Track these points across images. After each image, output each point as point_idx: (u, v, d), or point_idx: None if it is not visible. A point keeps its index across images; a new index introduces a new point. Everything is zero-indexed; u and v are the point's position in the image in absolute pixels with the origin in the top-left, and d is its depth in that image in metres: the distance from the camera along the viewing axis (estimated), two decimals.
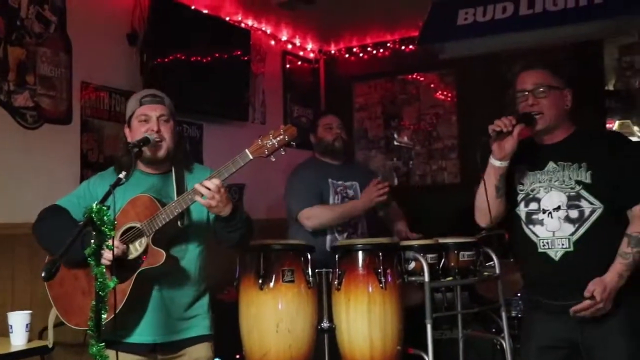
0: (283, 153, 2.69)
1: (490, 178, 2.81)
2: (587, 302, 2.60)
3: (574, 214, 2.71)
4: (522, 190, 2.87)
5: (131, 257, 2.70)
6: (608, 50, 5.79)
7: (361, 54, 6.71)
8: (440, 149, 6.42)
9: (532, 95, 2.75)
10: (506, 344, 3.88)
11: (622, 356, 2.65)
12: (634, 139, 5.67)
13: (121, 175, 2.47)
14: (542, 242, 2.78)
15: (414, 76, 6.57)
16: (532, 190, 2.83)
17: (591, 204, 2.69)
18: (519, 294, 4.80)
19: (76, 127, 4.21)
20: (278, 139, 2.65)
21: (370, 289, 3.36)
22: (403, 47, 6.45)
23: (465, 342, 4.06)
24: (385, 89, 6.68)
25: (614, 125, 5.78)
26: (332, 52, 6.86)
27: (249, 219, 2.85)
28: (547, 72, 2.79)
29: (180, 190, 2.82)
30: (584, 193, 2.70)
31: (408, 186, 6.48)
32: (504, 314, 3.88)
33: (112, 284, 2.20)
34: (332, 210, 4.02)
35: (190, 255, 2.86)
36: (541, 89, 2.74)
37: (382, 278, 3.34)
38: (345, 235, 4.06)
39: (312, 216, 3.97)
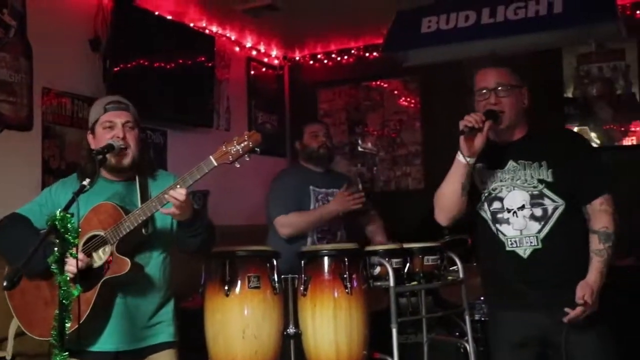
0: (247, 159, 2.68)
1: (456, 176, 2.78)
2: (580, 309, 2.62)
3: (538, 212, 2.73)
4: (484, 190, 2.86)
5: (95, 265, 2.66)
6: (567, 59, 5.89)
7: (325, 61, 6.72)
8: (404, 155, 6.46)
9: (494, 94, 2.74)
10: (470, 348, 3.91)
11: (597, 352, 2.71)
12: (591, 144, 5.78)
13: (85, 183, 2.44)
14: (510, 241, 2.79)
15: (378, 83, 6.60)
16: (494, 190, 2.83)
17: (554, 201, 2.72)
18: (482, 298, 4.85)
19: (37, 133, 4.16)
20: (242, 145, 2.64)
21: (336, 294, 3.36)
22: (367, 54, 6.48)
23: (430, 346, 4.07)
24: (350, 95, 6.71)
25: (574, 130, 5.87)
26: (297, 58, 6.86)
27: (211, 224, 2.85)
28: (507, 71, 2.79)
29: (144, 198, 2.80)
30: (546, 191, 2.72)
31: (372, 192, 6.50)
32: (467, 318, 3.91)
33: (76, 293, 2.16)
34: (307, 216, 4.04)
35: (154, 263, 2.83)
36: (503, 88, 2.74)
37: (348, 283, 3.34)
38: (325, 241, 4.10)
39: (286, 224, 4.02)
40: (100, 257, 2.67)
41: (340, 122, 6.65)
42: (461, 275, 3.91)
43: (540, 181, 2.73)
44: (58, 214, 2.12)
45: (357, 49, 6.54)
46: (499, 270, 2.90)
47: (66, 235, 2.12)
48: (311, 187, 4.16)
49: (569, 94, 5.90)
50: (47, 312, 2.61)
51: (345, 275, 3.35)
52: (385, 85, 6.59)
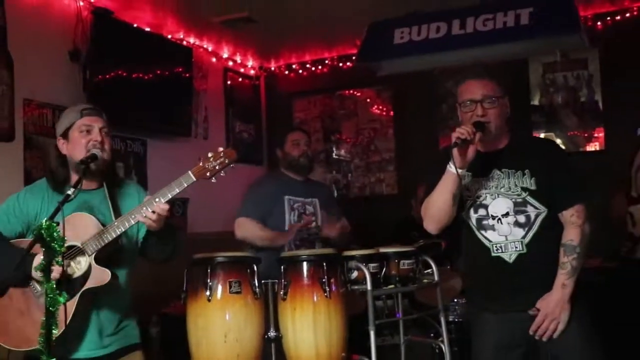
0: (223, 175, 2.75)
1: (447, 186, 2.76)
2: (538, 318, 2.68)
3: (521, 218, 2.75)
4: (469, 197, 2.86)
5: (75, 275, 2.61)
6: (533, 68, 5.97)
7: (300, 71, 6.74)
8: (377, 161, 6.50)
9: (480, 105, 2.71)
10: (445, 348, 3.92)
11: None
12: None
13: (69, 192, 2.44)
14: (496, 247, 2.80)
15: (352, 92, 6.64)
16: (479, 197, 2.83)
17: (536, 208, 2.74)
18: (456, 300, 4.89)
19: (19, 144, 4.12)
20: (218, 161, 2.71)
21: (315, 298, 3.35)
22: (341, 64, 6.52)
23: (407, 347, 4.08)
24: (324, 104, 6.73)
25: (540, 136, 5.94)
26: (272, 69, 6.87)
27: (176, 230, 2.87)
28: (493, 82, 2.77)
29: (115, 207, 2.78)
30: (529, 199, 2.74)
31: (347, 198, 6.53)
32: (442, 319, 3.92)
33: (62, 300, 2.15)
34: (262, 232, 4.03)
35: (123, 272, 2.81)
36: (488, 99, 2.72)
37: (327, 287, 3.33)
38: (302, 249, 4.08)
39: (241, 227, 4.05)
40: (78, 267, 2.62)
41: (316, 130, 6.66)
42: (436, 278, 3.93)
43: (524, 189, 2.74)
44: (44, 223, 2.11)
45: (331, 59, 6.58)
46: (484, 275, 2.92)
47: (52, 244, 2.12)
48: (287, 197, 4.15)
49: (536, 102, 5.98)
50: (22, 322, 2.57)
51: (324, 280, 3.35)
52: (359, 95, 6.63)
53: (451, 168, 2.69)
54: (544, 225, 2.74)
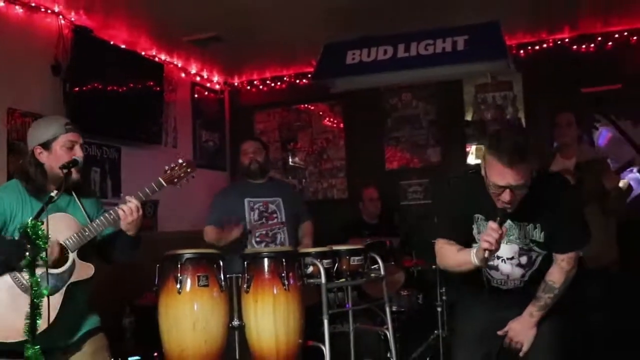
0: (186, 182, 2.91)
1: (464, 267, 2.58)
2: (507, 338, 2.69)
3: (524, 260, 2.66)
4: (479, 240, 2.59)
5: (60, 271, 2.56)
6: (467, 89, 6.06)
7: (261, 86, 6.72)
8: (329, 169, 6.51)
9: (510, 191, 2.39)
10: (390, 334, 3.97)
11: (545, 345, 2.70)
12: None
13: (53, 194, 2.39)
14: (496, 281, 2.74)
15: (307, 106, 6.63)
16: None
17: (539, 252, 2.65)
18: (399, 292, 4.93)
19: (3, 149, 4.01)
20: (182, 170, 2.87)
21: (275, 290, 3.35)
22: (297, 81, 6.52)
23: (356, 334, 4.11)
24: (282, 116, 6.72)
25: (471, 149, 6.04)
26: (236, 84, 6.83)
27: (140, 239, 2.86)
28: (526, 168, 2.38)
29: (85, 209, 2.76)
30: (535, 247, 2.63)
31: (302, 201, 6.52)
32: (387, 309, 3.96)
33: (46, 292, 2.10)
34: (215, 234, 4.11)
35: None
36: (521, 186, 2.40)
37: (285, 281, 3.35)
38: (263, 245, 4.13)
39: (206, 234, 4.17)
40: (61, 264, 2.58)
41: (274, 140, 6.64)
42: (382, 272, 3.97)
43: (532, 241, 2.62)
44: (29, 222, 2.07)
45: (289, 76, 6.57)
46: (477, 292, 2.81)
47: (37, 242, 2.07)
48: (247, 200, 4.16)
49: (469, 118, 6.07)
50: (10, 315, 2.47)
51: (283, 274, 3.36)
52: (313, 108, 6.63)
53: (474, 260, 2.49)
54: (542, 263, 2.66)
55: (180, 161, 2.86)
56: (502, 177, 2.37)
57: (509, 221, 2.55)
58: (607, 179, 3.89)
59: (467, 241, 2.67)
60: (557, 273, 2.63)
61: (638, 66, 5.41)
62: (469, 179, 2.70)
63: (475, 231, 2.67)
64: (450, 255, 2.67)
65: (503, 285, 2.73)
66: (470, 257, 2.51)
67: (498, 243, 2.37)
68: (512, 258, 2.66)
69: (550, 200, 2.53)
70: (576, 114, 4.27)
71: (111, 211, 2.66)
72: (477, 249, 2.46)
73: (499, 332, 2.72)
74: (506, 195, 2.39)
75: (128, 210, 2.62)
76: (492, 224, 2.38)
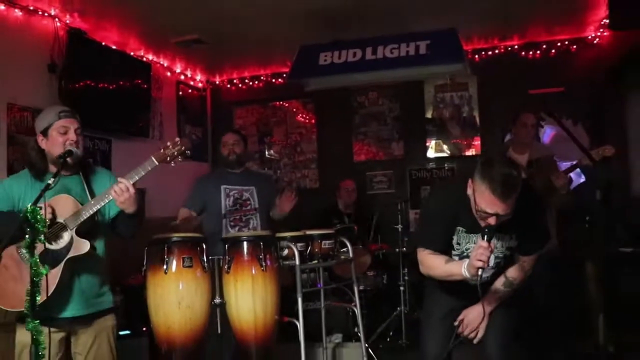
0: (180, 161, 2.75)
1: (452, 276, 2.52)
2: (462, 325, 2.65)
3: (492, 263, 2.51)
4: (458, 248, 2.60)
5: (59, 247, 2.56)
6: (427, 88, 6.12)
7: (240, 85, 6.69)
8: (303, 160, 6.52)
9: (496, 218, 2.30)
10: (357, 311, 4.01)
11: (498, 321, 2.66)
12: (443, 155, 6.05)
13: (50, 181, 2.39)
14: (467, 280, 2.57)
15: (282, 103, 6.63)
16: (467, 249, 2.57)
17: (509, 253, 2.61)
18: (366, 273, 4.98)
19: (3, 141, 3.96)
20: (176, 148, 2.73)
21: (253, 271, 3.36)
22: (274, 80, 6.51)
23: (327, 311, 4.15)
24: (260, 113, 6.70)
25: (431, 143, 6.10)
26: (217, 82, 6.79)
27: (142, 214, 2.82)
28: (513, 200, 2.28)
29: (90, 189, 2.74)
30: (507, 252, 2.59)
31: (277, 190, 6.51)
32: (355, 288, 3.99)
33: (44, 271, 2.10)
34: (185, 213, 4.07)
35: (100, 245, 2.77)
36: (508, 214, 2.31)
37: (263, 263, 3.36)
38: (237, 229, 4.09)
39: (179, 213, 4.11)
40: (62, 240, 2.57)
41: (252, 134, 6.62)
42: (351, 255, 4.01)
43: (508, 248, 2.57)
44: (29, 208, 2.06)
45: (266, 75, 6.55)
46: (446, 284, 2.70)
47: (36, 225, 2.06)
48: (223, 187, 4.13)
49: (429, 115, 6.13)
50: (16, 287, 2.50)
51: (261, 256, 3.37)
52: (288, 105, 6.62)
53: (464, 273, 2.43)
54: (506, 260, 2.62)
55: (176, 139, 2.76)
56: (491, 207, 2.27)
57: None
58: (556, 179, 3.95)
59: (447, 250, 2.60)
60: (519, 271, 2.60)
61: (578, 71, 5.54)
62: (452, 191, 2.57)
63: (454, 241, 2.60)
64: (438, 266, 2.57)
65: (472, 282, 2.55)
66: (461, 270, 2.43)
67: (489, 258, 2.31)
68: (495, 267, 2.58)
69: (523, 212, 2.38)
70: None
71: (105, 191, 2.63)
72: (468, 264, 2.39)
73: (455, 322, 2.67)
74: (492, 220, 2.30)
75: (119, 190, 2.57)
76: (483, 243, 2.30)
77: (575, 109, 5.46)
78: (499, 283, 2.62)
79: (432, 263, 2.60)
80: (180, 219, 4.07)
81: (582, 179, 4.90)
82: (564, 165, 4.19)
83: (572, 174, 4.11)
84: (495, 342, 2.70)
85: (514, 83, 5.63)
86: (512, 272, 2.61)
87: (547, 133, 5.64)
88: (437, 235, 2.60)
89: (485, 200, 2.27)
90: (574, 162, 3.96)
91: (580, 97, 5.49)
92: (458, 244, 2.59)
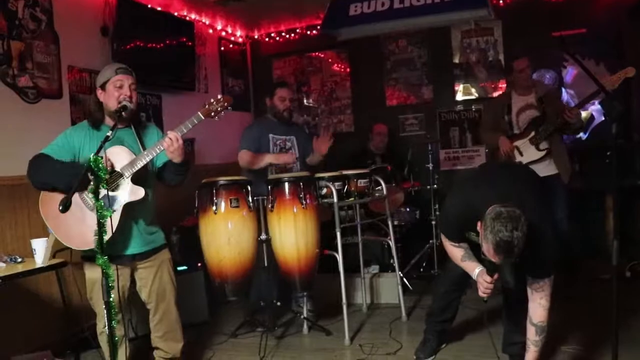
0: (223, 115, 2.80)
1: (466, 270, 2.63)
2: None
3: None
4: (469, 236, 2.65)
5: (118, 193, 2.65)
6: (454, 34, 5.93)
7: (277, 38, 6.61)
8: (338, 107, 6.48)
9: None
10: (392, 244, 4.07)
11: None
12: (472, 97, 5.92)
13: (109, 134, 2.43)
14: None
15: (317, 54, 6.54)
16: (482, 261, 2.49)
17: None
18: (399, 208, 5.00)
19: (66, 100, 4.02)
20: (220, 104, 2.77)
21: (295, 209, 3.44)
22: (309, 32, 6.39)
23: (363, 245, 4.23)
24: (297, 63, 6.64)
25: (459, 87, 5.98)
26: (256, 37, 6.73)
27: (190, 165, 2.85)
28: (519, 253, 2.26)
29: (141, 141, 2.80)
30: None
31: (316, 135, 6.51)
32: (390, 223, 4.05)
33: (109, 213, 2.18)
34: (251, 158, 3.98)
35: (150, 190, 2.83)
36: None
37: (303, 201, 3.42)
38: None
39: (241, 157, 4.02)
40: (120, 186, 2.65)
41: (290, 84, 6.57)
42: (384, 192, 4.04)
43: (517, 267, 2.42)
44: (92, 157, 2.12)
45: (301, 28, 6.45)
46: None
47: (99, 173, 2.13)
48: (270, 135, 4.13)
49: (456, 60, 5.98)
50: (80, 229, 2.59)
51: (301, 195, 3.43)
52: (323, 56, 6.53)
53: (475, 278, 2.53)
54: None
55: (219, 96, 2.80)
56: (494, 259, 2.26)
57: None
58: (568, 114, 3.85)
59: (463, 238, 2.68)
60: (539, 311, 2.50)
61: (600, 12, 5.28)
62: (467, 201, 2.52)
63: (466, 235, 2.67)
64: (456, 258, 2.70)
65: None
66: (472, 272, 2.56)
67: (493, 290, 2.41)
68: None
69: (528, 251, 2.28)
70: (548, 55, 4.14)
71: (157, 143, 2.70)
72: (478, 273, 2.49)
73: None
74: (498, 260, 2.27)
75: (169, 142, 2.62)
76: (487, 278, 2.38)
77: (597, 49, 5.24)
78: (532, 335, 2.52)
79: (451, 253, 2.74)
80: (250, 159, 4.00)
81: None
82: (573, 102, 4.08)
83: (594, 112, 3.99)
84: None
85: (537, 26, 5.40)
86: (537, 317, 2.51)
87: (570, 73, 5.46)
88: (454, 233, 2.70)
89: (489, 253, 2.26)
90: (592, 93, 3.80)
91: (601, 38, 5.25)
92: (470, 240, 2.66)
